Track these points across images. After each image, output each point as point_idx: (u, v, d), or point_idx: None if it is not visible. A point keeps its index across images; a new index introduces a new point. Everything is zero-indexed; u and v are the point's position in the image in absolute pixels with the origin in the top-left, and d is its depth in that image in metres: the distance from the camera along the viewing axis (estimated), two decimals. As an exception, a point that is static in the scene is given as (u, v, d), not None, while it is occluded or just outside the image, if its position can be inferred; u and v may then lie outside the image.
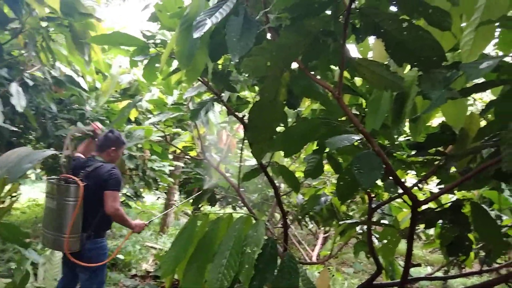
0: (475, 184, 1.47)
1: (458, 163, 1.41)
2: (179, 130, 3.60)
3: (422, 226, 3.01)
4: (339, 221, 2.86)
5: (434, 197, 1.31)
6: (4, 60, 2.96)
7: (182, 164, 5.67)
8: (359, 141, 1.43)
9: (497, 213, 2.08)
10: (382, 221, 2.43)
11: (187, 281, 1.37)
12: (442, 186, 1.69)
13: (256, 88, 2.02)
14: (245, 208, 2.43)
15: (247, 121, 1.33)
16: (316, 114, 1.98)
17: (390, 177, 1.58)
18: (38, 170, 7.02)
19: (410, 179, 2.63)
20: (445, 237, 1.59)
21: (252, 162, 3.50)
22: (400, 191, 1.55)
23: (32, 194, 10.20)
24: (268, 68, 1.07)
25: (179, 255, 1.43)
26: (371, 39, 1.48)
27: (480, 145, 1.24)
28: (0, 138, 3.07)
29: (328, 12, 1.05)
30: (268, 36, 1.23)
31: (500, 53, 1.28)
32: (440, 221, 1.63)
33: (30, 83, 3.16)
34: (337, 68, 1.48)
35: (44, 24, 2.95)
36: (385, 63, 1.12)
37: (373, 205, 1.96)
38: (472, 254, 2.35)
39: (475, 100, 1.52)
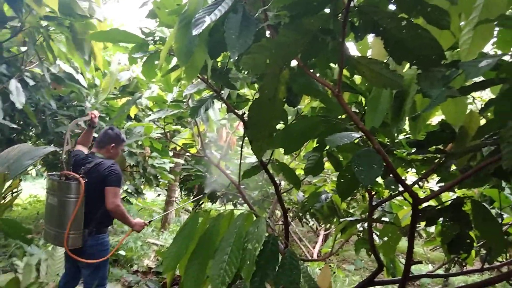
0: (475, 182, 1.47)
1: (458, 161, 1.41)
2: (179, 127, 3.61)
3: (423, 224, 3.01)
4: (339, 218, 2.86)
5: (434, 194, 1.31)
6: (3, 57, 2.96)
7: (182, 161, 5.68)
8: (359, 138, 1.43)
9: (497, 211, 2.08)
10: (382, 219, 2.43)
11: (188, 277, 1.38)
12: (442, 184, 1.68)
13: (256, 85, 2.01)
14: (245, 205, 2.43)
15: (246, 118, 1.33)
16: (315, 112, 1.98)
17: (391, 175, 1.58)
18: (39, 167, 7.06)
19: (410, 177, 2.62)
20: (446, 235, 1.59)
21: (252, 159, 3.51)
22: (401, 189, 1.55)
23: (33, 190, 10.25)
24: (267, 66, 1.07)
25: (180, 251, 1.44)
26: (370, 38, 1.48)
27: (480, 143, 1.24)
28: (0, 134, 3.07)
29: (327, 10, 1.04)
30: (267, 34, 1.23)
31: (499, 52, 1.28)
32: (441, 219, 1.63)
33: (30, 82, 3.16)
34: (336, 66, 1.47)
35: (44, 23, 2.95)
36: (384, 61, 1.11)
37: (374, 203, 1.96)
38: (473, 252, 2.34)
39: (474, 98, 1.51)
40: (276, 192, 2.01)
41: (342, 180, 1.57)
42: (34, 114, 3.52)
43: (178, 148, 3.87)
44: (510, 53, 1.19)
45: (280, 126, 1.50)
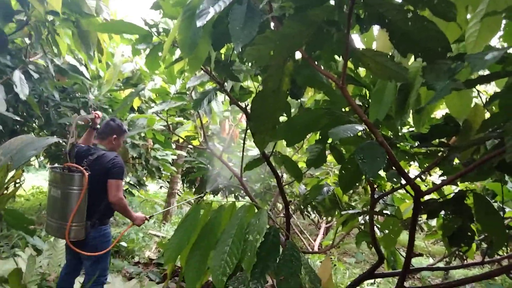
0: (478, 175, 1.47)
1: (462, 154, 1.41)
2: (181, 119, 3.61)
3: (424, 217, 3.01)
4: (341, 211, 2.87)
5: (437, 187, 1.31)
6: (8, 49, 2.96)
7: (184, 154, 5.69)
8: (362, 131, 1.43)
9: (499, 205, 2.08)
10: (384, 212, 2.43)
11: (190, 267, 1.39)
12: (445, 177, 1.68)
13: (259, 78, 2.01)
14: (247, 198, 2.44)
15: (249, 111, 1.33)
16: (319, 105, 1.98)
17: (393, 168, 1.58)
18: (42, 158, 7.07)
19: (412, 170, 2.62)
20: (447, 228, 1.59)
21: (255, 152, 3.51)
22: (403, 182, 1.55)
23: (36, 181, 10.27)
24: (271, 57, 1.07)
25: (182, 242, 1.45)
26: (376, 30, 1.47)
27: (484, 137, 1.24)
28: (4, 126, 3.08)
29: (332, 2, 1.04)
30: (272, 25, 1.22)
31: (505, 45, 1.27)
32: (443, 212, 1.63)
33: (35, 75, 3.16)
34: (341, 58, 1.47)
35: (50, 17, 2.95)
36: (390, 54, 1.11)
37: (376, 196, 1.96)
38: (474, 245, 2.35)
39: (479, 92, 1.51)
40: (278, 185, 2.01)
41: (344, 173, 1.57)
42: (37, 105, 3.52)
43: (181, 140, 3.87)
44: (516, 46, 1.19)
45: (283, 119, 1.50)
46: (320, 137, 1.78)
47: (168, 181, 7.29)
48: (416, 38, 0.93)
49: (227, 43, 1.44)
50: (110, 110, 4.34)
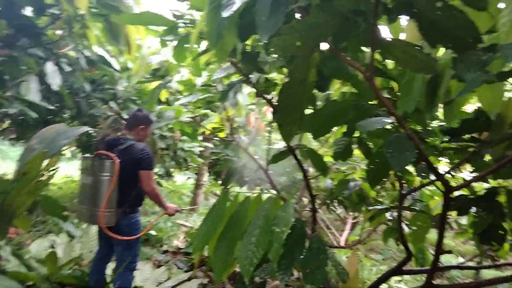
0: (511, 172, 1.41)
1: (493, 150, 1.36)
2: (208, 111, 3.64)
3: (454, 215, 2.93)
4: (368, 206, 2.83)
5: (467, 183, 1.28)
6: (41, 41, 3.06)
7: (211, 145, 5.74)
8: (391, 124, 1.40)
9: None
10: (412, 207, 2.38)
11: (217, 257, 1.40)
12: (476, 174, 1.63)
13: (285, 70, 2.00)
14: (273, 191, 2.44)
15: (275, 103, 1.32)
16: (346, 97, 1.95)
17: (422, 162, 1.54)
18: (73, 148, 7.28)
19: (441, 167, 2.55)
20: (478, 225, 1.54)
21: (280, 145, 3.50)
22: (432, 177, 1.51)
23: (68, 171, 10.58)
24: (297, 48, 1.05)
25: (209, 232, 1.47)
26: (403, 21, 1.43)
27: (517, 131, 1.19)
28: (38, 116, 3.19)
29: (359, -9, 1.01)
30: (297, 16, 1.21)
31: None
32: (473, 210, 1.58)
33: (66, 68, 3.25)
34: (368, 49, 1.44)
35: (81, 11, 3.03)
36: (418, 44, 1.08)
37: (404, 192, 1.92)
38: (506, 246, 2.27)
39: (512, 85, 1.45)
40: (304, 178, 2.00)
41: (372, 166, 1.54)
42: (69, 96, 3.62)
43: (207, 132, 3.91)
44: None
45: (308, 111, 1.48)
46: (347, 130, 1.75)
47: (195, 173, 7.39)
48: (445, 28, 0.90)
49: (253, 34, 1.44)
50: (139, 101, 4.42)
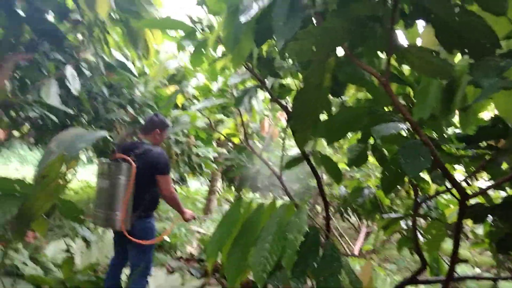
0: (529, 180, 1.39)
1: (510, 157, 1.34)
2: (222, 117, 3.66)
3: (470, 224, 2.88)
4: (382, 214, 2.80)
5: (483, 190, 1.26)
6: (62, 46, 3.13)
7: (225, 151, 5.76)
8: (406, 131, 1.39)
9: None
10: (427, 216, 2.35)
11: (230, 263, 1.40)
12: (493, 182, 1.61)
13: (300, 75, 2.00)
14: (286, 197, 2.44)
15: (290, 108, 1.33)
16: (361, 103, 1.94)
17: (438, 169, 1.52)
18: (90, 154, 7.38)
19: (457, 175, 2.52)
20: (494, 234, 1.52)
21: (294, 152, 3.50)
22: (448, 185, 1.50)
23: (84, 176, 10.71)
24: (313, 53, 1.06)
25: (223, 238, 1.47)
26: (420, 27, 1.43)
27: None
28: (57, 119, 3.25)
29: (376, -3, 1.02)
30: (314, 21, 1.22)
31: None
32: (490, 218, 1.56)
33: (86, 72, 3.31)
34: (384, 55, 1.44)
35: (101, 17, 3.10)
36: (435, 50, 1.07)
37: (419, 200, 1.90)
38: (524, 256, 2.23)
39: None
40: (318, 185, 2.00)
41: (386, 173, 1.53)
42: (88, 100, 3.69)
43: (222, 138, 3.93)
44: None
45: (323, 117, 1.48)
46: (362, 136, 1.75)
47: (209, 180, 7.42)
48: (462, 33, 0.90)
49: (269, 39, 1.45)
50: (155, 106, 4.47)
